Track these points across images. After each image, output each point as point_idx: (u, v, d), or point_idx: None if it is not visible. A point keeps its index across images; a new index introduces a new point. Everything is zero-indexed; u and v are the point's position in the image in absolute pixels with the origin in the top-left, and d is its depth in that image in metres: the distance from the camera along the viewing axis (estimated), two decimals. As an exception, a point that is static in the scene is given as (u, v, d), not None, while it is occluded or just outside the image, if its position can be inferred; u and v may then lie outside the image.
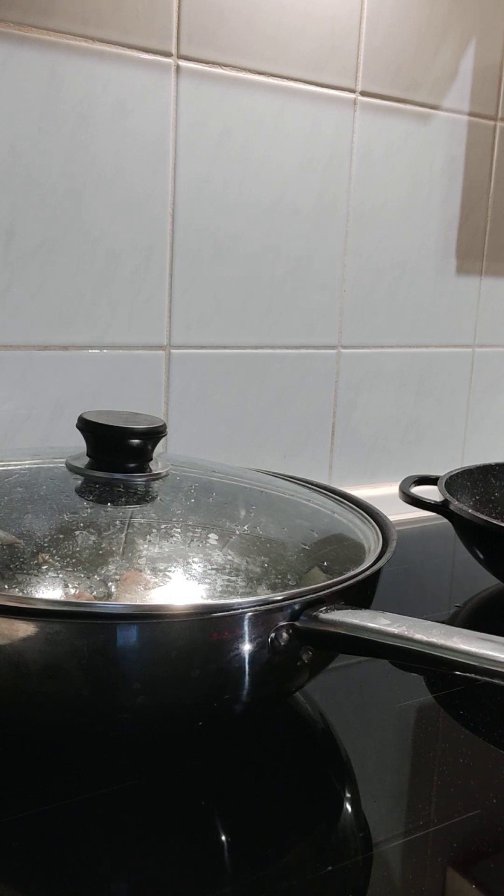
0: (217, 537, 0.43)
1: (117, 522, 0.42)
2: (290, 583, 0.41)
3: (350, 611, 0.39)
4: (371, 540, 0.49)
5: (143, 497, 0.46)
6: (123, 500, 0.45)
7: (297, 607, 0.38)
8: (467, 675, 0.36)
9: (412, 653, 0.37)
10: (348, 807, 0.40)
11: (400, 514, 0.72)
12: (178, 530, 0.42)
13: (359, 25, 0.78)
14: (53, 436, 0.70)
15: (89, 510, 0.43)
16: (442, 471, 0.73)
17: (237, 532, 0.44)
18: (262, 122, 0.75)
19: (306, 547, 0.45)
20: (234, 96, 0.73)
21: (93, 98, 0.67)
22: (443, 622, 0.38)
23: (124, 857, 0.35)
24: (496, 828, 0.39)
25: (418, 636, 0.37)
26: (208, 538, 0.42)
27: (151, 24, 0.68)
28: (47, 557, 0.39)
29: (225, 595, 0.39)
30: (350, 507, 0.54)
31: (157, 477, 0.48)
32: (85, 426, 0.48)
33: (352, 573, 0.43)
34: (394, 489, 0.70)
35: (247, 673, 0.38)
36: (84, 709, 0.37)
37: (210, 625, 0.36)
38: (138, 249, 0.71)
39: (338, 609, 0.39)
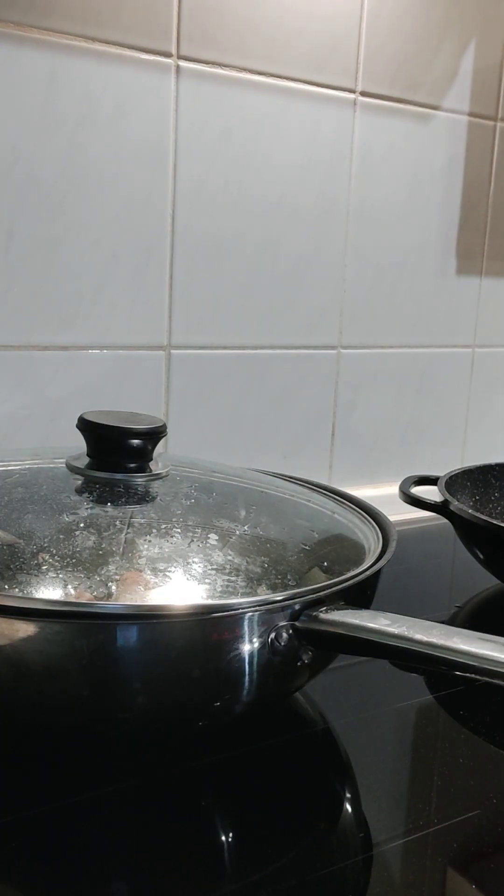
0: (217, 537, 0.43)
1: (117, 522, 0.42)
2: (290, 583, 0.41)
3: (350, 611, 0.39)
4: (371, 540, 0.49)
5: (143, 497, 0.46)
6: (123, 500, 0.45)
7: (297, 607, 0.38)
8: (467, 675, 0.36)
9: (412, 653, 0.37)
10: (348, 807, 0.40)
11: (400, 514, 0.72)
12: (178, 530, 0.42)
13: (359, 25, 0.78)
14: (53, 436, 0.70)
15: (89, 510, 0.43)
16: (442, 471, 0.73)
17: (237, 532, 0.44)
18: (262, 122, 0.75)
19: (306, 547, 0.45)
20: (234, 96, 0.73)
21: (93, 98, 0.67)
22: (443, 622, 0.38)
23: (124, 857, 0.35)
24: (496, 828, 0.39)
25: (418, 636, 0.37)
26: (208, 538, 0.42)
27: (151, 24, 0.68)
28: (47, 557, 0.39)
29: (225, 595, 0.39)
30: (350, 507, 0.54)
31: (157, 477, 0.48)
32: (85, 426, 0.48)
33: (352, 573, 0.43)
34: (394, 489, 0.70)
35: (247, 673, 0.38)
36: (84, 709, 0.37)
37: (210, 625, 0.36)
38: (138, 249, 0.71)
39: (338, 609, 0.39)
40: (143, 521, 0.43)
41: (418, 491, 0.68)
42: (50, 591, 0.37)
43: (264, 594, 0.39)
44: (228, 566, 0.41)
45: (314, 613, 0.38)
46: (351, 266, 0.83)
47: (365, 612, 0.39)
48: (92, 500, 0.44)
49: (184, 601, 0.38)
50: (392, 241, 0.85)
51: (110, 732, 0.38)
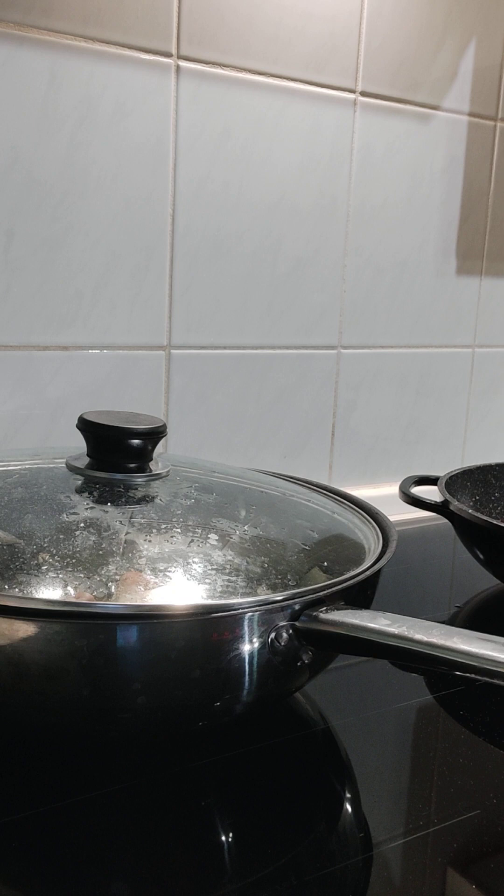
0: (217, 537, 0.43)
1: (117, 522, 0.42)
2: (290, 583, 0.41)
3: (350, 611, 0.39)
4: (371, 540, 0.49)
5: (143, 497, 0.46)
6: (123, 500, 0.45)
7: (297, 607, 0.38)
8: (467, 675, 0.36)
9: (412, 653, 0.37)
10: (348, 807, 0.40)
11: (400, 514, 0.72)
12: (178, 530, 0.42)
13: (359, 25, 0.78)
14: (53, 436, 0.70)
15: (89, 510, 0.43)
16: (442, 471, 0.73)
17: (237, 532, 0.44)
18: (262, 122, 0.75)
19: (306, 547, 0.45)
20: (234, 96, 0.73)
21: (93, 98, 0.67)
22: (443, 622, 0.38)
23: (124, 857, 0.35)
24: (496, 828, 0.39)
25: (418, 636, 0.37)
26: (208, 538, 0.42)
27: (151, 24, 0.68)
28: (47, 557, 0.39)
29: (225, 595, 0.39)
30: (350, 507, 0.54)
31: (158, 477, 0.48)
32: (85, 426, 0.48)
33: (352, 573, 0.43)
34: (394, 489, 0.70)
35: (247, 673, 0.38)
36: (84, 709, 0.37)
37: (210, 625, 0.36)
38: (138, 249, 0.71)
39: (338, 609, 0.39)
40: (143, 521, 0.43)
41: (418, 491, 0.68)
42: (50, 591, 0.37)
43: (264, 594, 0.39)
44: (228, 566, 0.41)
45: (314, 613, 0.39)
46: (351, 266, 0.83)
47: (365, 612, 0.39)
48: (92, 500, 0.44)
49: (184, 601, 0.38)
50: (392, 241, 0.85)
51: (110, 732, 0.38)
